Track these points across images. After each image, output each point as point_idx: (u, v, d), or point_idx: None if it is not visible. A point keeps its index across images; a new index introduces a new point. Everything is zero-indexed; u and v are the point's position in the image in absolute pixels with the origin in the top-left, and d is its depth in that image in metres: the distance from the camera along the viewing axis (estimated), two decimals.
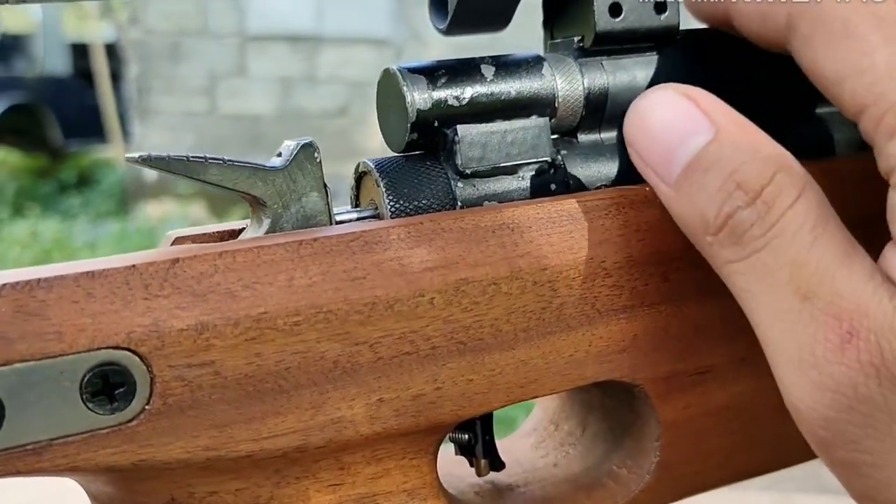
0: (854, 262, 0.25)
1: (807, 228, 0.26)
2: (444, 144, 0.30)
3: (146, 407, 0.24)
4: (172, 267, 0.25)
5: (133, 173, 5.45)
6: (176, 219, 4.99)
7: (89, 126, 6.58)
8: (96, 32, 6.68)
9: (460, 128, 0.30)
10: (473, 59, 0.31)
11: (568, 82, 0.31)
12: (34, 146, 6.96)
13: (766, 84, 0.34)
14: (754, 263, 0.26)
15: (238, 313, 0.25)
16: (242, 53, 5.32)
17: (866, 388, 0.24)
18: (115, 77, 6.13)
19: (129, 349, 0.24)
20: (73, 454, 0.24)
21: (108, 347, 0.24)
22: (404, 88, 0.29)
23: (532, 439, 0.36)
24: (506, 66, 0.31)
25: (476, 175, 0.30)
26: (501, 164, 0.30)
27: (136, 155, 0.27)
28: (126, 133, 5.87)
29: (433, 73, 0.30)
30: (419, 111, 0.29)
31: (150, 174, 5.35)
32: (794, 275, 0.25)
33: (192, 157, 0.27)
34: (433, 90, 0.30)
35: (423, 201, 0.30)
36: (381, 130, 0.31)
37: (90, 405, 0.24)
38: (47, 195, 5.91)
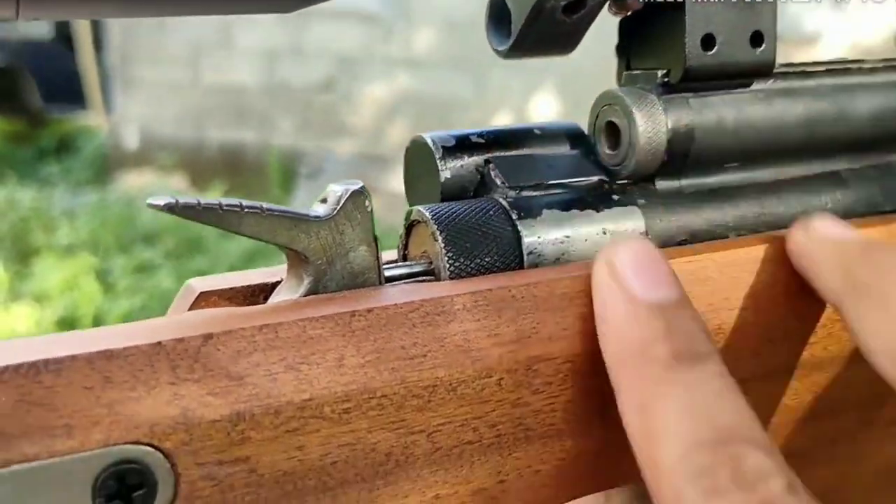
0: None
1: None
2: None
3: None
4: (205, 345, 0.21)
5: (113, 141, 5.36)
6: (156, 190, 4.90)
7: (70, 92, 6.45)
8: None
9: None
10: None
11: (650, 122, 0.27)
12: (12, 111, 6.82)
13: None
14: None
15: (280, 400, 0.21)
16: (228, 24, 5.23)
17: None
18: (98, 43, 6.02)
19: (151, 445, 0.20)
20: None
21: (126, 443, 0.20)
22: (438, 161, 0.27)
23: None
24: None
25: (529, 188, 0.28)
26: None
27: (162, 202, 0.22)
28: (107, 101, 5.77)
29: None
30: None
31: (131, 142, 5.26)
32: None
33: (226, 205, 0.23)
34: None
35: (486, 259, 0.26)
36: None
37: None
38: (25, 162, 5.79)
